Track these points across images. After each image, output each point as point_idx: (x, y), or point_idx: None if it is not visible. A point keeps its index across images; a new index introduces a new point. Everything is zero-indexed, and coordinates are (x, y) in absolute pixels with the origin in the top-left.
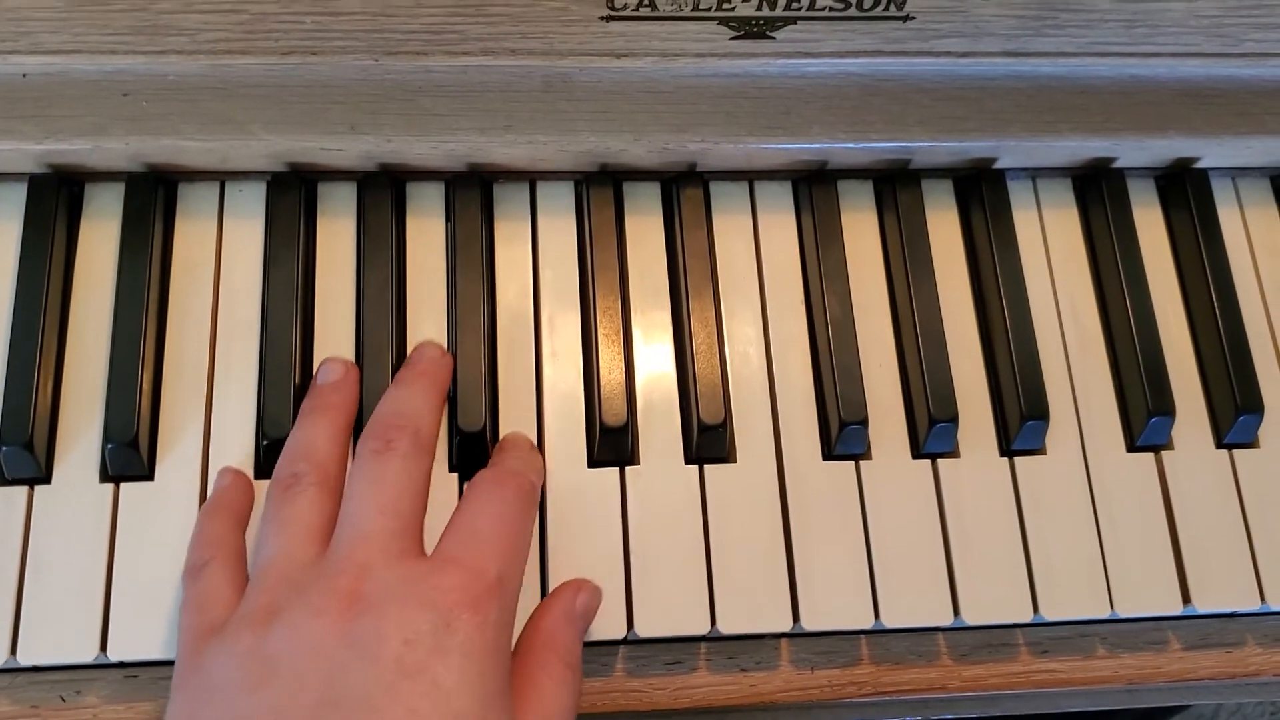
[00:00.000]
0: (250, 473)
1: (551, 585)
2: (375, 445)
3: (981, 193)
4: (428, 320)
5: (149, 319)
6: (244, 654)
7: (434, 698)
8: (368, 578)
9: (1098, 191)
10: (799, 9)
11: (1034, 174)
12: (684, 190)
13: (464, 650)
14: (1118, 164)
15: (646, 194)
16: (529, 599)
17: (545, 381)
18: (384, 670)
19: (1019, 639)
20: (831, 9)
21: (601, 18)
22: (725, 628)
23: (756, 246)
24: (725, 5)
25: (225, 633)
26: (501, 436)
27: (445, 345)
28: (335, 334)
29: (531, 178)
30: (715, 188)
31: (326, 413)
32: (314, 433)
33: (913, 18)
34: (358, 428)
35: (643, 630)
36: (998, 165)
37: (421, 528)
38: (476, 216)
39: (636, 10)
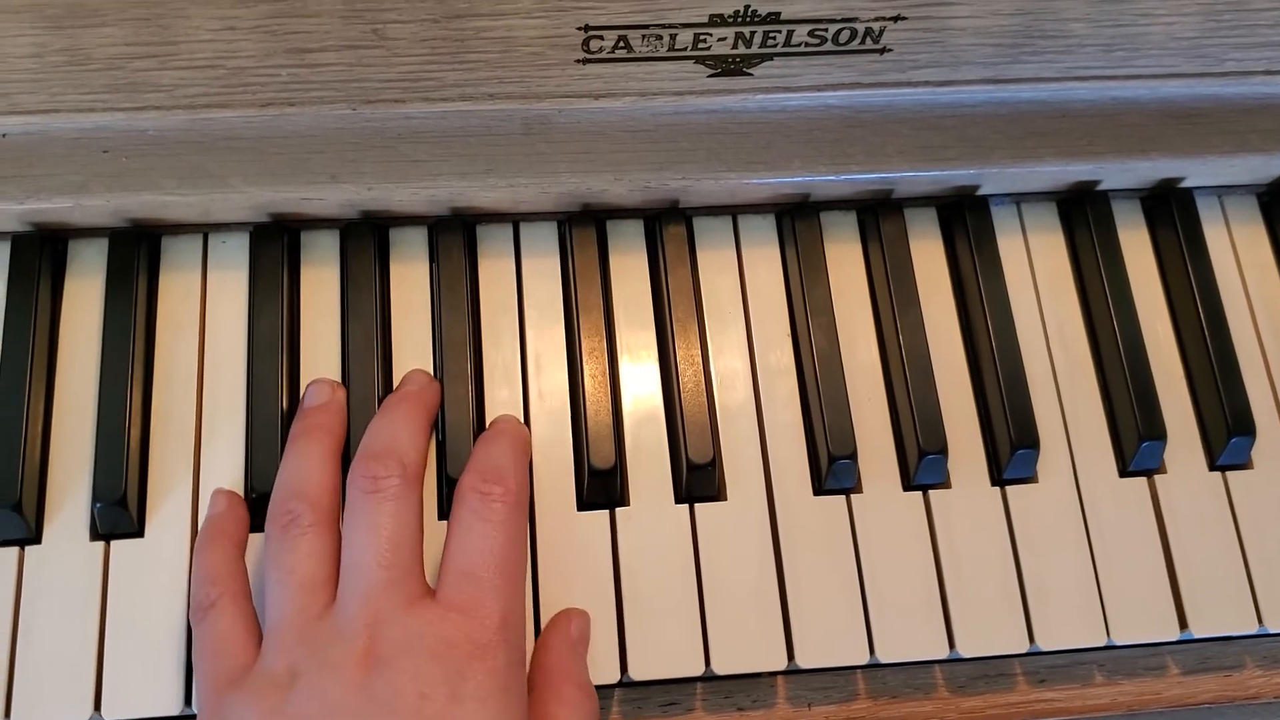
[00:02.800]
0: None
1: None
2: (365, 485)
3: (965, 220)
4: (414, 365)
5: (135, 375)
6: (269, 713)
7: None
8: (379, 635)
9: (1082, 214)
10: (774, 45)
11: (1018, 199)
12: (667, 227)
13: (479, 696)
14: (1102, 186)
15: (630, 232)
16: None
17: (532, 424)
18: None
19: (1016, 669)
20: (807, 44)
21: (578, 60)
22: (720, 668)
23: (741, 281)
24: (701, 44)
25: (247, 689)
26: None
27: None
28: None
29: (514, 219)
30: (698, 223)
31: (316, 437)
32: (305, 463)
33: (890, 50)
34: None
35: (637, 673)
36: (981, 192)
37: (420, 561)
38: (460, 260)
39: (612, 52)
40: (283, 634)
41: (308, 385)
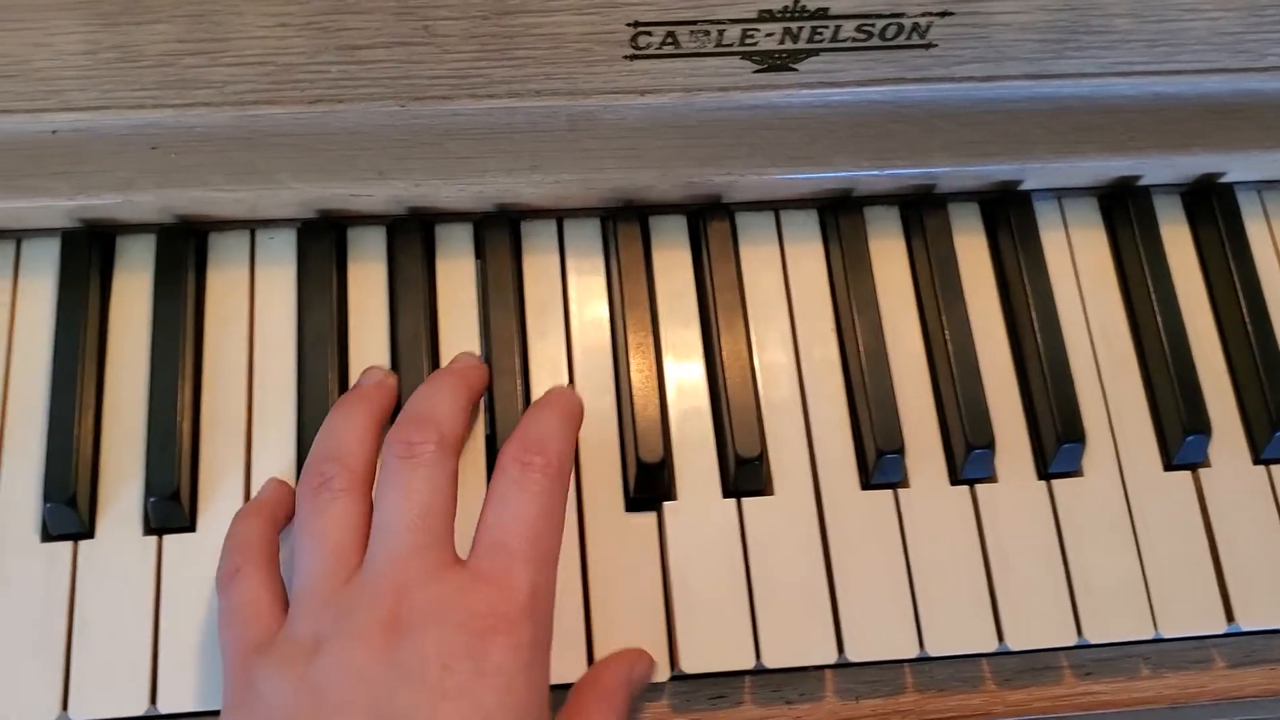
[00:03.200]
0: None
1: (595, 624)
2: (400, 450)
3: (1009, 215)
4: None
5: (185, 370)
6: (295, 681)
7: (475, 717)
8: (405, 601)
9: (1124, 210)
10: (821, 41)
11: (1059, 194)
12: (710, 223)
13: (502, 671)
14: (1143, 182)
15: (673, 227)
16: (573, 638)
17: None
18: (427, 692)
19: (1062, 662)
20: (854, 40)
21: (625, 56)
22: (770, 661)
23: (785, 276)
24: (748, 40)
25: (273, 656)
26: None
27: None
28: None
29: (558, 215)
30: (741, 218)
31: (360, 405)
32: (344, 427)
33: (935, 45)
34: None
35: (688, 666)
36: (1023, 187)
37: (452, 530)
38: (507, 256)
39: (660, 48)
40: (309, 599)
41: (363, 371)
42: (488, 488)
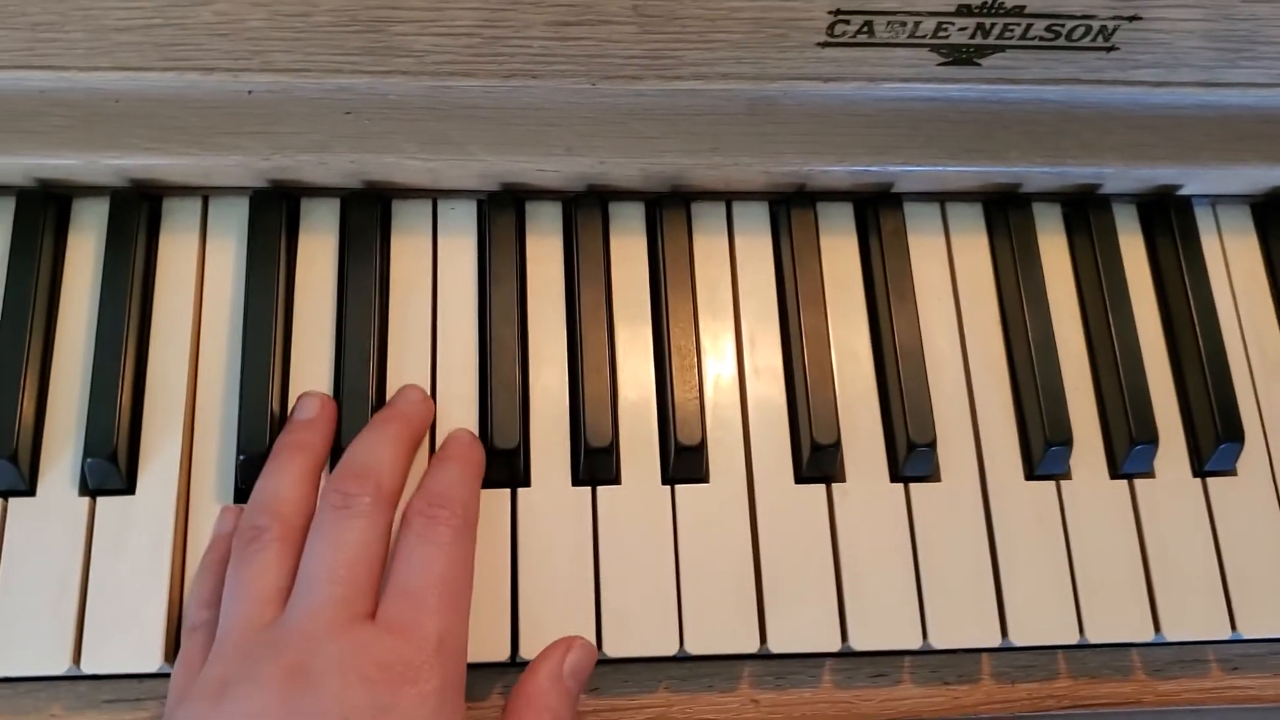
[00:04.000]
0: None
1: (768, 597)
2: (336, 500)
3: (1169, 219)
4: (637, 336)
5: (373, 331)
6: None
7: None
8: (312, 652)
9: (1279, 218)
10: (1011, 38)
11: (1214, 200)
12: (883, 212)
13: (408, 718)
14: None
15: (840, 214)
16: (742, 600)
17: (749, 398)
18: None
19: (1209, 655)
20: (1041, 39)
21: (818, 44)
22: (937, 642)
23: (951, 267)
24: (941, 33)
25: (188, 697)
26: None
27: (651, 364)
28: (548, 350)
29: (727, 198)
30: (908, 208)
31: (297, 454)
32: (281, 479)
33: (1116, 49)
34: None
35: (857, 644)
36: (1182, 191)
37: (376, 585)
38: (684, 235)
39: (854, 37)
40: (223, 644)
41: (298, 397)
42: (395, 543)
